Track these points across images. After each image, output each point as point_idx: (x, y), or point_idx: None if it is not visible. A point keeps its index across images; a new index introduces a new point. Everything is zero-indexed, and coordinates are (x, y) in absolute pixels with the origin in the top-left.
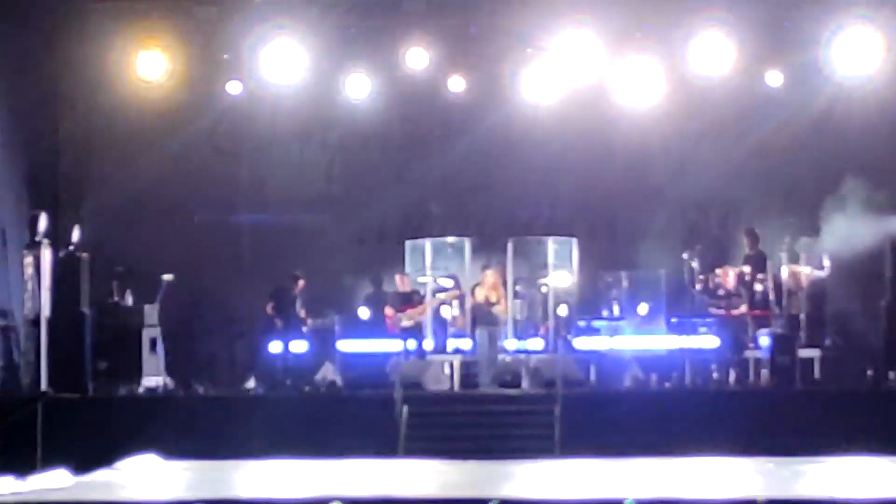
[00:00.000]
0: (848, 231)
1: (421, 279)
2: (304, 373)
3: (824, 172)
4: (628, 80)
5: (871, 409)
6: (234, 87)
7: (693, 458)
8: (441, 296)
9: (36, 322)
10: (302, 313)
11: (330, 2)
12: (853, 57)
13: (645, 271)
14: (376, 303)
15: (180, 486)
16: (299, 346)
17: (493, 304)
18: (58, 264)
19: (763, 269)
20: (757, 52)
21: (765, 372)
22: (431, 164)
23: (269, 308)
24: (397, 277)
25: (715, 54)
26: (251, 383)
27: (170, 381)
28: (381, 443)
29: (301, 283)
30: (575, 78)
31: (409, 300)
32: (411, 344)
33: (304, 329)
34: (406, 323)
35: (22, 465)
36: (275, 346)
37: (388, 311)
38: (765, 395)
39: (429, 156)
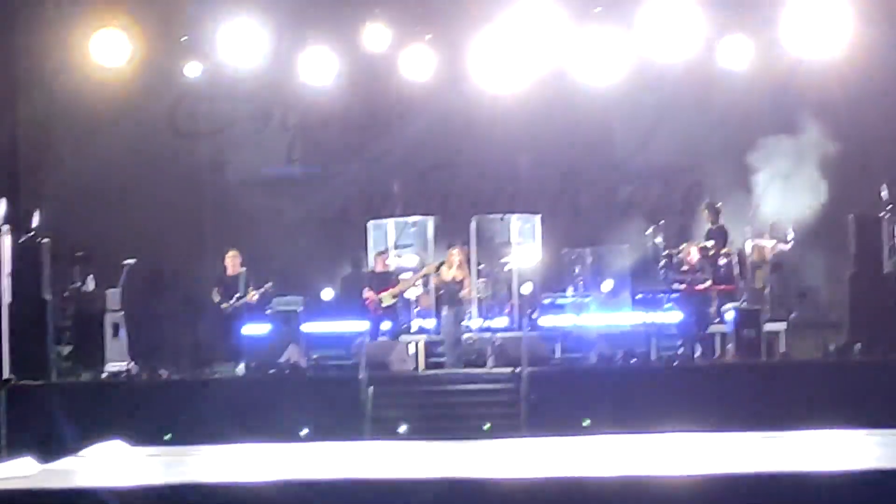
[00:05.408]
0: (809, 203)
1: None
2: (268, 355)
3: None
4: (589, 54)
5: (837, 382)
6: (192, 69)
7: (659, 434)
8: (409, 276)
9: None
10: (251, 293)
11: None
12: (813, 29)
13: (609, 247)
14: (355, 283)
15: (147, 471)
16: (263, 329)
17: (458, 283)
18: (18, 250)
19: (725, 243)
20: (718, 25)
21: (730, 346)
22: (392, 143)
23: (214, 294)
24: (377, 257)
25: (675, 27)
26: (241, 369)
27: (133, 366)
28: (347, 424)
29: (238, 261)
30: (536, 53)
31: (388, 280)
32: (386, 325)
33: (268, 310)
34: (388, 303)
35: None
36: (241, 330)
37: (368, 293)
38: (730, 370)
39: (389, 135)
